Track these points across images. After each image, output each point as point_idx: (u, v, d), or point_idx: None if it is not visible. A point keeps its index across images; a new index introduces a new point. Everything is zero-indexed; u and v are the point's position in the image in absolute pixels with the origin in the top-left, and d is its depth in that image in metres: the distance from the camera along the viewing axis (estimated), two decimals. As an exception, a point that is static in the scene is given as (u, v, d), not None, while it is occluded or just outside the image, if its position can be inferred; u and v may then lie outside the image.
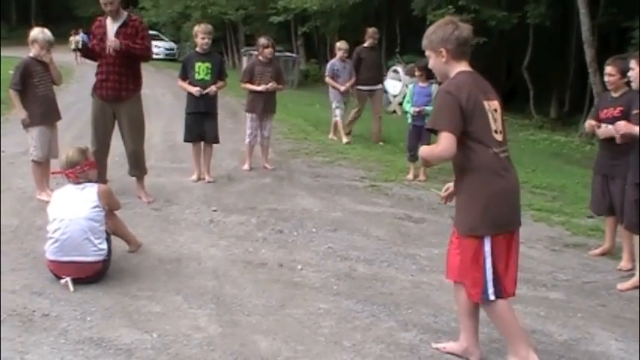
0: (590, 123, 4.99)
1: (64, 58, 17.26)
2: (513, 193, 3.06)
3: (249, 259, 4.65)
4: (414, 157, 7.58)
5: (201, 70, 6.77)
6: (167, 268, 4.39)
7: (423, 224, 5.74)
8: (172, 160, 8.07)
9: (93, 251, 3.98)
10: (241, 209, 5.92)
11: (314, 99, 17.32)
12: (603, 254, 5.07)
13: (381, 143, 10.07)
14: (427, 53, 3.13)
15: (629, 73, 4.48)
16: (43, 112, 5.87)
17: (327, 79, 10.03)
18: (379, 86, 10.58)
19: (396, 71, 16.17)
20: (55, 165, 5.55)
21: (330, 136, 10.30)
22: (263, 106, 7.60)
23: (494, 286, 3.01)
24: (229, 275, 4.31)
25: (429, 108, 7.37)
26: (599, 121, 4.88)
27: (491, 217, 2.97)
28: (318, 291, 4.11)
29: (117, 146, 6.17)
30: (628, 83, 4.62)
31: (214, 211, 5.79)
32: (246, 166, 7.65)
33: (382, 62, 10.68)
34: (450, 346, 3.34)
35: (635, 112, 4.35)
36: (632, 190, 4.34)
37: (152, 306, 3.76)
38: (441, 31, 3.04)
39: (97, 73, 5.91)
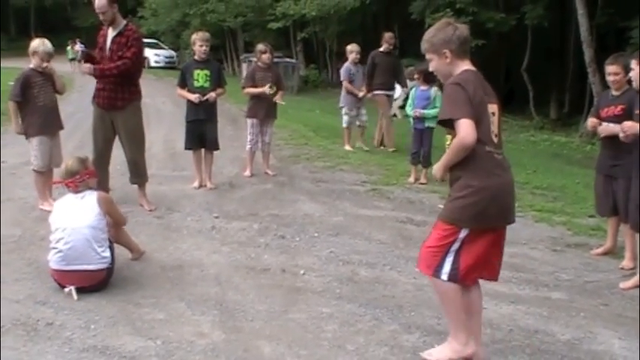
0: (592, 121, 4.97)
1: (62, 68, 17.30)
2: (506, 193, 3.05)
3: (252, 264, 4.66)
4: (415, 159, 7.62)
5: (200, 77, 6.79)
6: (170, 275, 4.41)
7: (424, 227, 5.72)
8: (173, 168, 8.08)
9: (96, 259, 3.99)
10: (243, 215, 5.93)
11: (314, 104, 17.37)
12: (605, 253, 5.06)
13: (389, 149, 9.92)
14: (428, 56, 3.13)
15: (630, 73, 4.48)
16: (43, 122, 5.89)
17: (345, 84, 9.67)
18: (392, 92, 10.47)
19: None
20: (56, 175, 5.57)
21: (346, 147, 9.72)
22: (265, 111, 7.62)
23: (453, 269, 3.00)
24: (232, 281, 4.32)
25: (427, 111, 7.41)
26: (600, 119, 4.87)
27: (478, 213, 2.95)
28: (321, 295, 4.12)
29: (118, 155, 6.19)
30: (629, 81, 4.61)
31: (216, 217, 5.81)
32: (247, 173, 7.65)
33: (399, 66, 10.42)
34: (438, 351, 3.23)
35: (637, 112, 4.35)
36: (637, 190, 4.33)
37: (155, 313, 3.78)
38: (442, 33, 3.06)
39: (96, 82, 5.96)
